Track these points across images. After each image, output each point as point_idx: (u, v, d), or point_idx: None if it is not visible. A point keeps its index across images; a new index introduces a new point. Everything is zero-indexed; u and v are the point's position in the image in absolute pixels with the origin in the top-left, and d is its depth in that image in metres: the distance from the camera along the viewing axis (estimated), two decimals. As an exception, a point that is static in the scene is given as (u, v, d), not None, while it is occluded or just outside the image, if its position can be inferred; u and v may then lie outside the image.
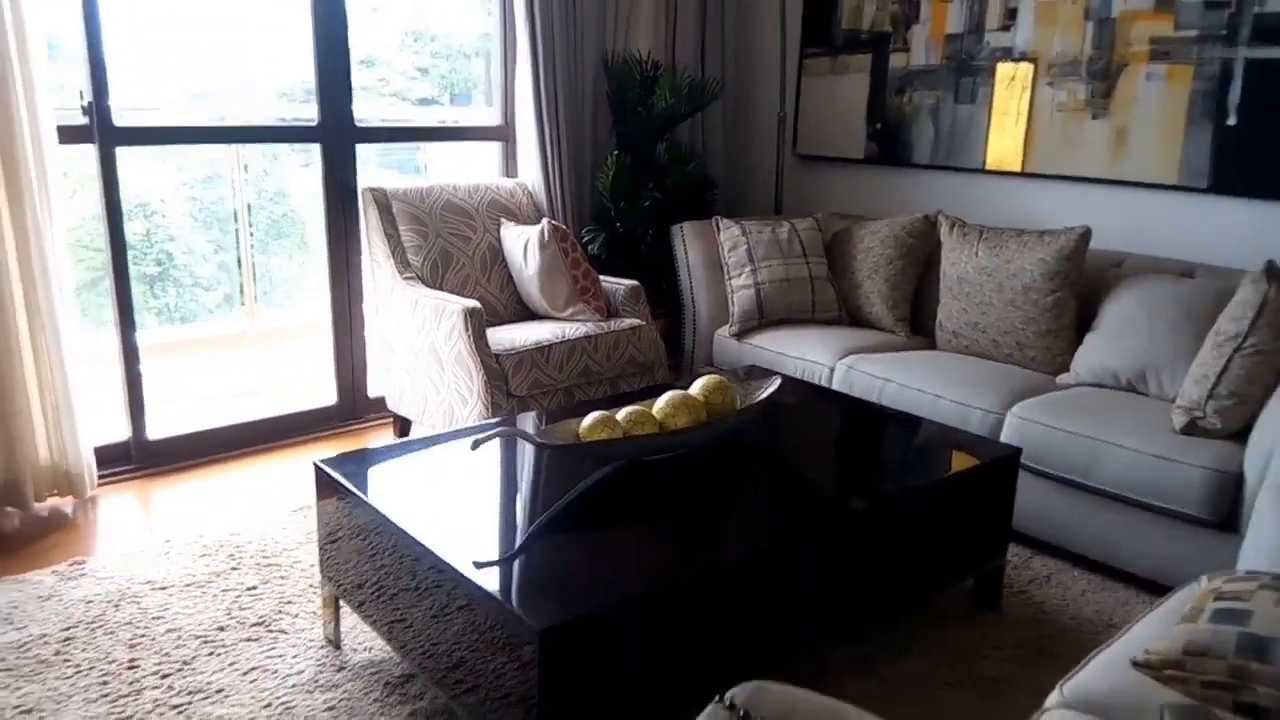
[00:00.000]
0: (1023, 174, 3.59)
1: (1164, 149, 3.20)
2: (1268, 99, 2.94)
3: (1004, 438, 2.73)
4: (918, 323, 3.55)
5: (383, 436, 3.63)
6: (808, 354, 3.31)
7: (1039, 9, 3.44)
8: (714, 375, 2.34)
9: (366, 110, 3.70)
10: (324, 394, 3.69)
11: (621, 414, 2.18)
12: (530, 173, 3.80)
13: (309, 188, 3.81)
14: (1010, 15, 3.53)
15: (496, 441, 2.33)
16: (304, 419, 3.61)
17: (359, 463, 2.17)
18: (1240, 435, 2.43)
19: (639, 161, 3.77)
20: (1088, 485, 2.57)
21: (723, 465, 2.23)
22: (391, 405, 3.53)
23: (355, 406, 3.73)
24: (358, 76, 3.50)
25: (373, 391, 3.75)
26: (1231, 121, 3.03)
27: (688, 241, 3.74)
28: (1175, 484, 2.39)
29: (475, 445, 1.98)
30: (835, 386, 3.18)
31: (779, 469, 2.26)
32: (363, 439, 3.61)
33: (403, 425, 3.57)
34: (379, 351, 3.55)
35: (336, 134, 3.49)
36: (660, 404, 2.24)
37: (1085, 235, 3.05)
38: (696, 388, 2.31)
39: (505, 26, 3.82)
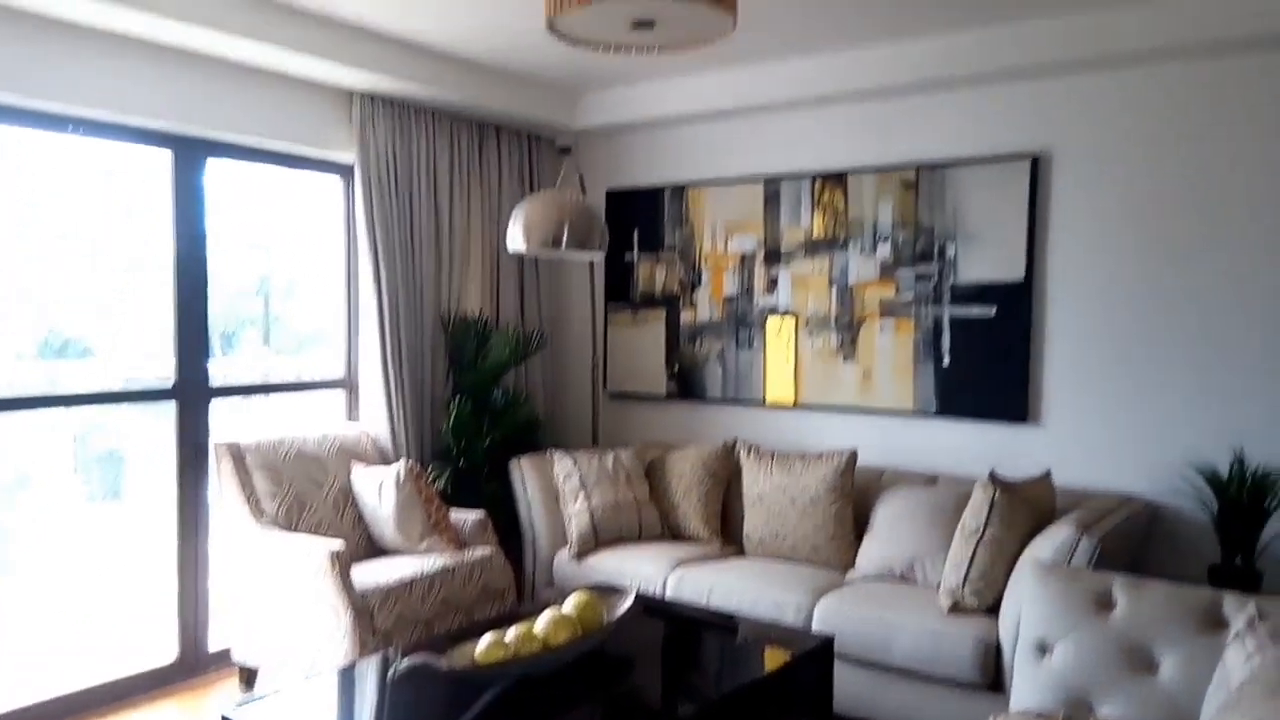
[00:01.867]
0: (796, 406, 4.38)
1: (900, 384, 4.09)
2: (968, 345, 3.91)
3: (815, 627, 3.27)
4: (728, 534, 4.12)
5: (228, 689, 3.62)
6: (642, 569, 3.76)
7: (795, 278, 4.37)
8: (585, 593, 2.73)
9: (220, 366, 3.94)
10: (161, 651, 3.65)
11: (509, 635, 2.51)
12: (375, 418, 4.14)
13: (145, 443, 3.90)
14: (773, 282, 4.43)
15: (376, 678, 2.55)
16: (140, 680, 3.55)
17: None
18: (994, 609, 3.11)
19: (477, 405, 4.22)
20: (886, 664, 3.14)
21: (596, 675, 2.58)
22: (238, 656, 3.56)
23: (197, 662, 3.71)
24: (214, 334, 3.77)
25: (215, 644, 3.75)
26: (946, 363, 3.97)
27: (525, 474, 4.17)
28: (952, 655, 3.00)
29: (393, 677, 2.23)
30: (669, 595, 3.63)
31: (634, 678, 2.64)
32: (206, 695, 3.58)
33: (249, 677, 3.59)
34: (226, 602, 3.61)
35: (193, 392, 3.69)
36: (542, 623, 2.59)
37: (853, 456, 3.80)
38: (569, 605, 2.68)
39: (350, 289, 4.27)
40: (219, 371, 3.86)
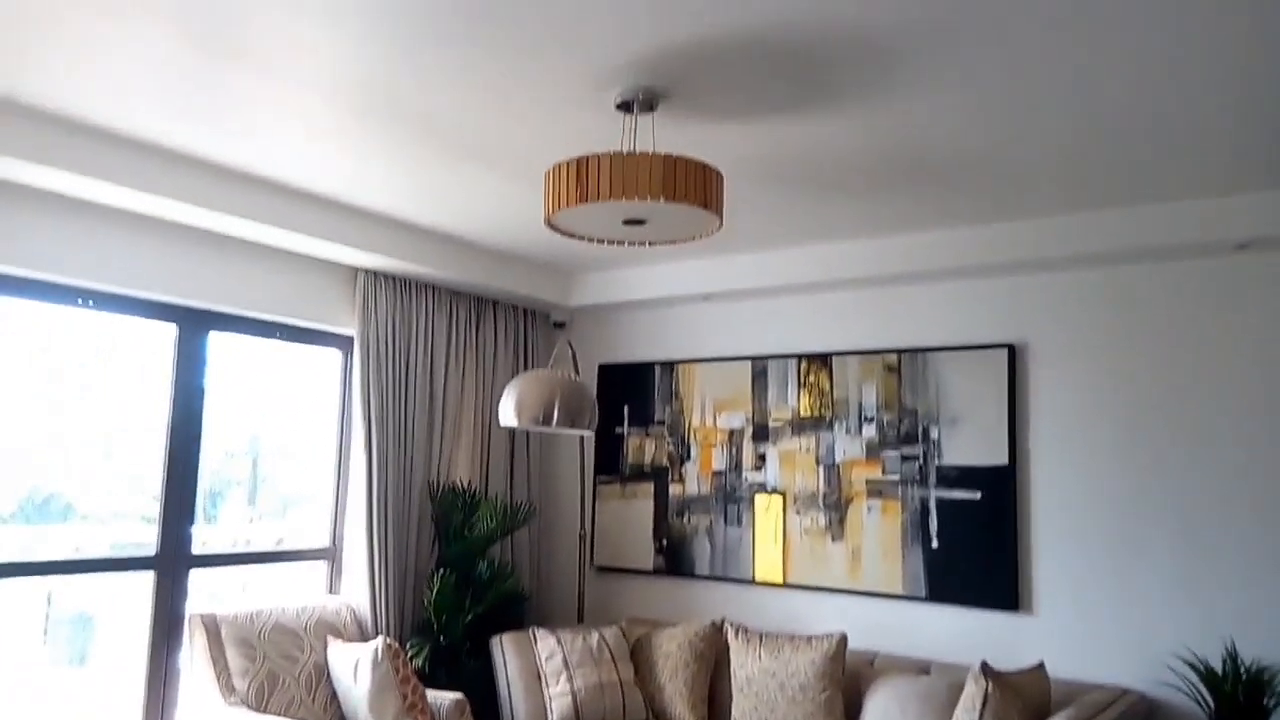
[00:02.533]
0: (785, 585, 4.32)
1: (889, 565, 4.06)
2: (956, 528, 3.91)
3: (805, 829, 3.11)
4: (715, 718, 3.98)
5: None
6: (625, 759, 3.61)
7: (782, 456, 4.42)
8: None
9: (202, 532, 3.91)
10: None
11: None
12: (357, 588, 4.07)
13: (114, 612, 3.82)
14: (761, 459, 4.48)
15: None
16: None
17: None
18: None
19: (461, 578, 4.16)
20: None
21: None
22: (194, 845, 3.36)
23: None
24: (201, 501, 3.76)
25: (170, 831, 3.54)
26: (935, 545, 3.96)
27: (506, 653, 4.06)
28: None
29: None
30: (652, 790, 3.46)
31: None
32: None
33: None
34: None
35: (173, 561, 3.65)
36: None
37: (843, 640, 3.72)
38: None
39: (340, 455, 4.29)
40: (202, 538, 3.83)
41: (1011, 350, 3.87)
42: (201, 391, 3.80)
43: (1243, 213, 3.27)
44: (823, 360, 4.35)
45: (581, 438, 4.92)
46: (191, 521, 3.73)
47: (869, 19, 2.14)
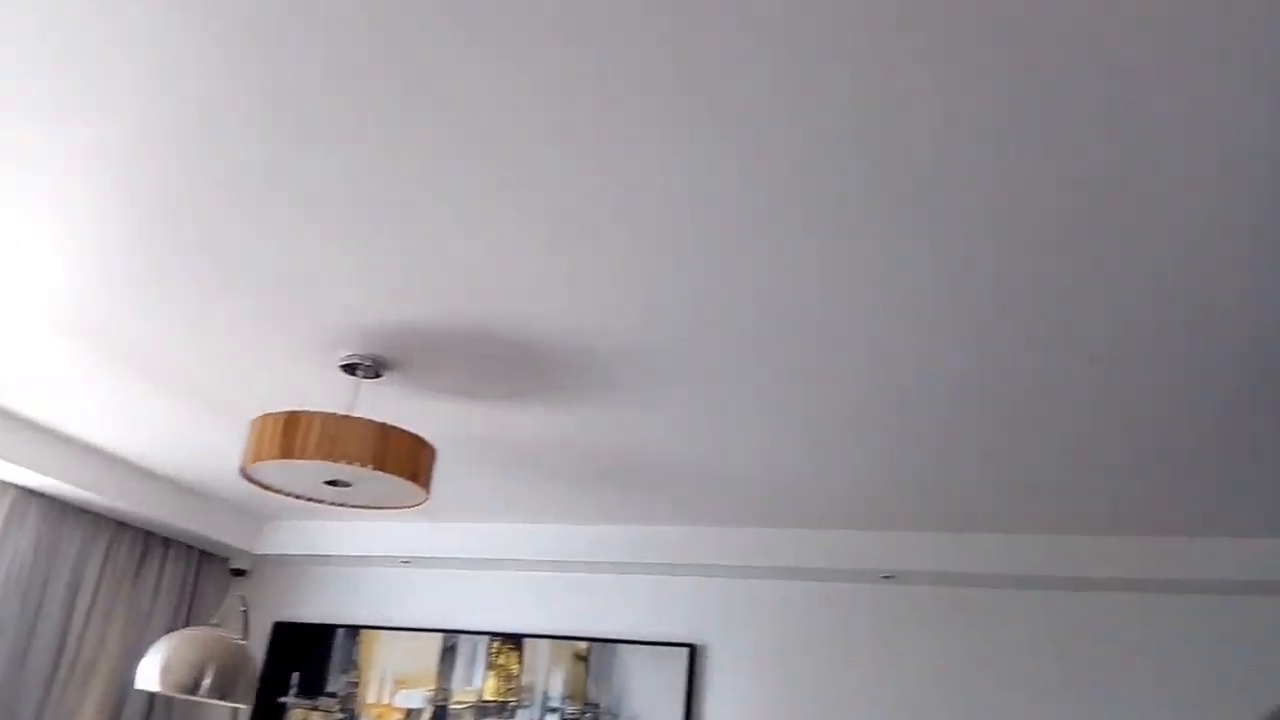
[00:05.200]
0: None
1: None
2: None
3: None
4: None
5: None
6: None
7: (460, 742, 4.15)
8: None
9: None
10: None
11: None
12: None
13: None
14: (437, 744, 4.17)
15: None
16: None
17: None
18: None
19: None
20: None
21: None
22: None
23: None
24: None
25: None
26: None
27: None
28: None
29: None
30: None
31: None
32: None
33: None
34: None
35: None
36: None
37: None
38: None
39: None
40: None
41: (692, 650, 4.01)
42: None
43: (888, 546, 3.74)
44: (515, 641, 4.27)
45: (236, 711, 4.36)
46: None
47: (589, 330, 2.36)
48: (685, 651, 4.00)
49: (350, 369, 2.63)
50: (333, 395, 2.91)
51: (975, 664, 3.69)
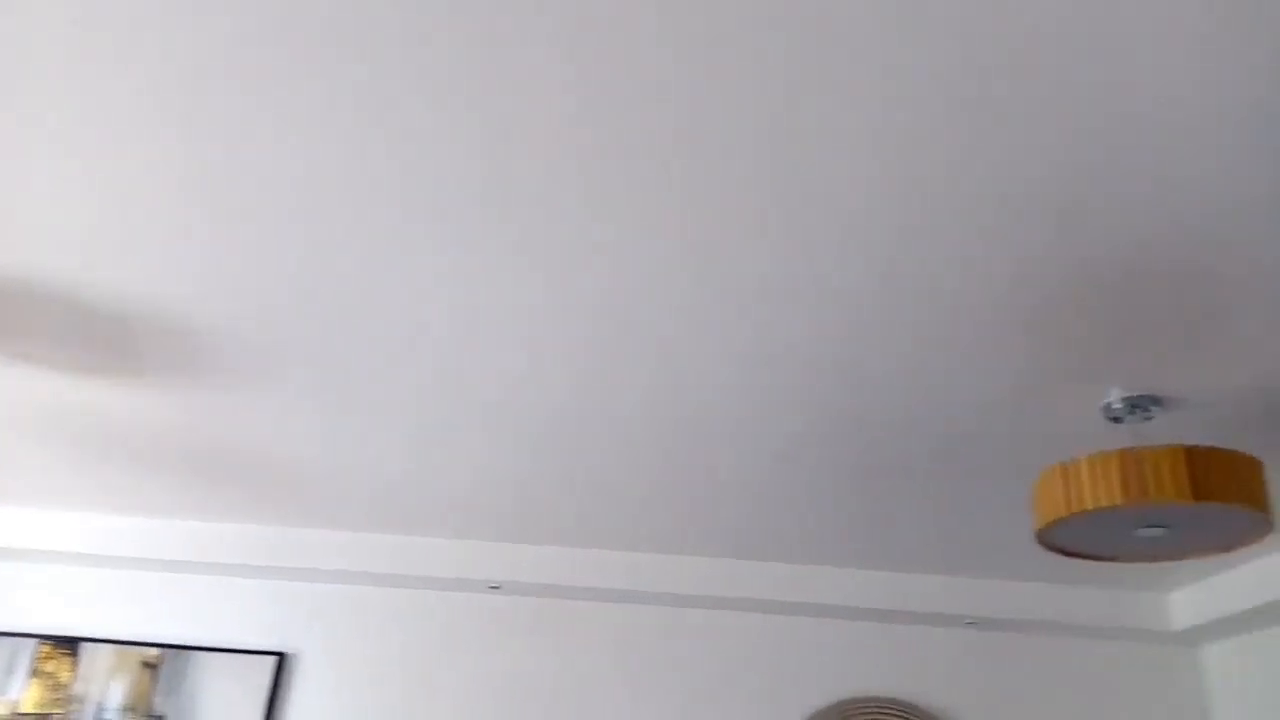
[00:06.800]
0: None
1: None
2: None
3: None
4: None
5: None
6: None
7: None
8: None
9: None
10: None
11: None
12: None
13: None
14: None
15: None
16: None
17: None
18: None
19: None
20: None
21: None
22: None
23: None
24: None
25: None
26: None
27: None
28: None
29: None
30: None
31: None
32: None
33: None
34: None
35: None
36: None
37: None
38: None
39: None
40: None
41: (280, 659, 3.76)
42: None
43: (494, 557, 3.77)
44: (70, 645, 3.74)
45: None
46: None
47: (173, 305, 2.12)
48: (272, 660, 3.74)
49: None
50: None
51: (577, 674, 3.82)
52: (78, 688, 3.69)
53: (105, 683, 3.71)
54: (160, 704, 3.68)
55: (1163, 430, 2.38)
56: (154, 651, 3.75)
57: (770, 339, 2.07)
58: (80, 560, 3.79)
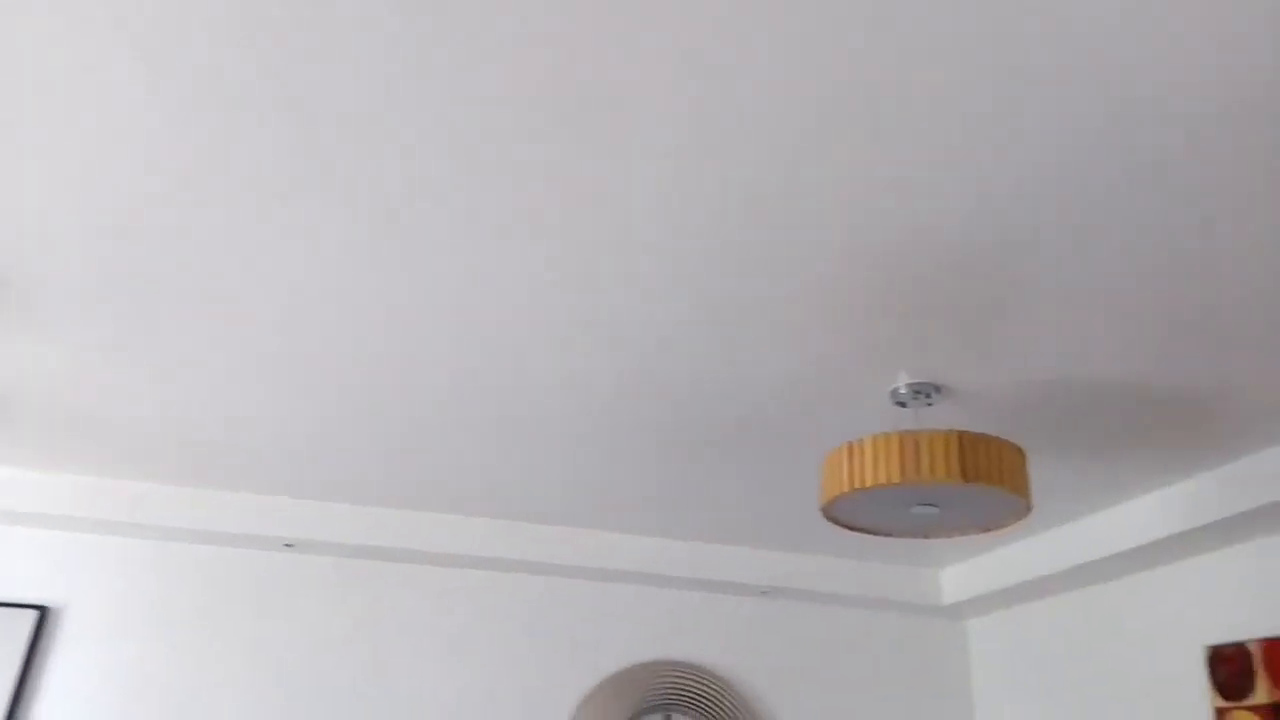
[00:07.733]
0: None
1: None
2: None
3: None
4: None
5: None
6: None
7: None
8: None
9: None
10: None
11: None
12: None
13: None
14: None
15: None
16: None
17: None
18: None
19: None
20: None
21: None
22: None
23: None
24: None
25: None
26: None
27: None
28: None
29: None
30: None
31: None
32: None
33: None
34: None
35: None
36: None
37: None
38: None
39: None
40: None
41: (42, 612, 3.47)
42: None
43: (288, 513, 3.61)
44: None
45: None
46: None
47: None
48: (33, 614, 3.45)
49: None
50: None
51: (375, 636, 3.73)
52: None
53: None
54: (-107, 660, 3.32)
55: (942, 416, 2.56)
56: (-111, 602, 3.37)
57: (582, 307, 2.07)
58: None
